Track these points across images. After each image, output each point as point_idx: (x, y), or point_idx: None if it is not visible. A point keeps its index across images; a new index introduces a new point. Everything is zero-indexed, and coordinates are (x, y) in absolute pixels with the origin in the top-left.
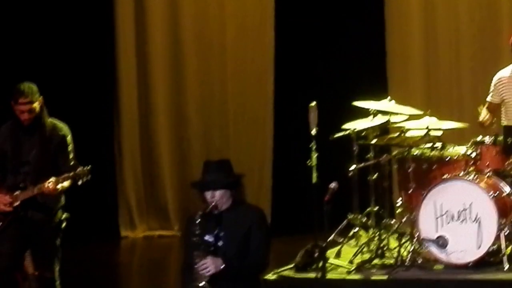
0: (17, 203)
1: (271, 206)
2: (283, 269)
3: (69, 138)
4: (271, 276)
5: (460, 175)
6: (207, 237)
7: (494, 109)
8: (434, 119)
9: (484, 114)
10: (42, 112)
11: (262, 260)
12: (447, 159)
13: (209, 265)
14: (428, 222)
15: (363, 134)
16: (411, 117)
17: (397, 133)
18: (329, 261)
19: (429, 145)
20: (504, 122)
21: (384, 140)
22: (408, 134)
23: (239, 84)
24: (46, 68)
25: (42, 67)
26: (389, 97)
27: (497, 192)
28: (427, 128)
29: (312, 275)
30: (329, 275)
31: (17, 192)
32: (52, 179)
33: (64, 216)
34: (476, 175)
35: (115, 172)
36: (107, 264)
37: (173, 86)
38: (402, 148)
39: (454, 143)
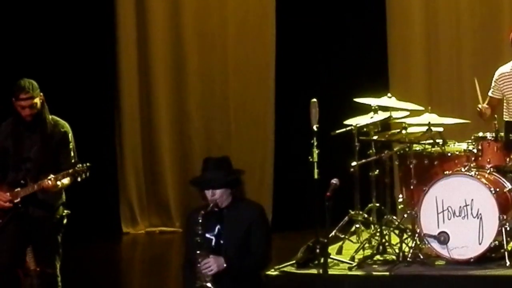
0: (17, 200)
1: (272, 202)
2: (284, 265)
3: (70, 135)
4: (272, 272)
5: (461, 171)
6: (207, 235)
7: (495, 104)
8: (434, 115)
9: (483, 106)
10: (43, 108)
11: (264, 256)
12: (448, 155)
13: (211, 265)
14: (429, 218)
15: (364, 130)
16: (412, 113)
17: (399, 129)
18: (330, 257)
19: (431, 141)
20: (506, 118)
21: (386, 136)
22: (409, 130)
23: (240, 80)
24: (47, 65)
25: (43, 64)
26: (389, 94)
27: (498, 188)
28: (428, 124)
29: (313, 271)
30: (331, 271)
31: (17, 189)
32: (52, 176)
33: (65, 212)
34: (478, 171)
35: (117, 168)
36: (108, 260)
37: (174, 82)
38: (403, 144)
39: (455, 139)
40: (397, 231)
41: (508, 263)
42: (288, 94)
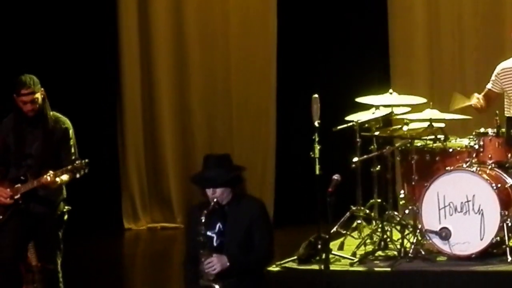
0: (17, 196)
1: (274, 198)
2: (286, 260)
3: (71, 131)
4: (274, 268)
5: (463, 166)
6: (209, 233)
7: (493, 97)
8: (436, 111)
9: (476, 100)
10: (44, 104)
11: (267, 253)
12: (450, 151)
13: (215, 264)
14: (431, 214)
15: (366, 126)
16: (414, 109)
17: (400, 125)
18: (332, 253)
19: (432, 136)
20: (507, 114)
21: (387, 132)
22: (411, 126)
23: (242, 75)
24: (49, 61)
25: (45, 60)
26: (390, 90)
27: (500, 183)
28: (430, 120)
29: (315, 266)
30: (332, 267)
31: (18, 185)
32: (51, 172)
33: (65, 208)
34: (479, 167)
35: (119, 164)
36: (110, 256)
37: (177, 78)
38: (405, 140)
39: (457, 135)
40: (398, 227)
41: (509, 258)
42: (290, 90)
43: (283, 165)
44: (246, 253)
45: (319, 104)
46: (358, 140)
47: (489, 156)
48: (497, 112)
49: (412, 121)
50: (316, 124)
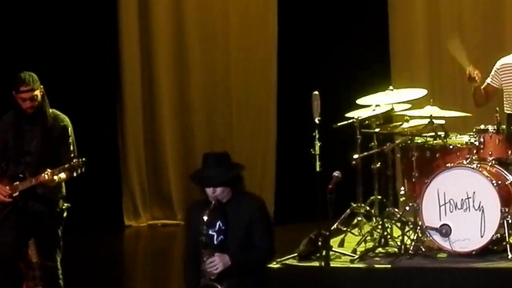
0: (16, 194)
1: (275, 195)
2: (286, 257)
3: (70, 129)
4: (274, 265)
5: (463, 163)
6: (209, 231)
7: (492, 92)
8: (436, 108)
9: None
10: (43, 101)
11: (268, 250)
12: (450, 148)
13: (217, 263)
14: (431, 211)
15: (366, 122)
16: (414, 106)
17: (401, 122)
18: (332, 250)
19: (433, 133)
20: (508, 111)
21: (388, 129)
22: (411, 123)
23: (242, 72)
24: (49, 59)
25: (45, 58)
26: (391, 87)
27: (500, 180)
28: (430, 116)
29: (315, 263)
30: (333, 264)
31: (16, 183)
32: (48, 170)
33: (65, 206)
34: (479, 164)
35: (119, 161)
36: (111, 253)
37: (177, 75)
38: (405, 137)
39: (457, 131)
40: (399, 224)
41: (510, 255)
42: (290, 86)
43: (284, 162)
44: (246, 251)
45: (319, 100)
46: (358, 137)
47: (490, 153)
48: (497, 109)
49: (412, 118)
50: (316, 121)
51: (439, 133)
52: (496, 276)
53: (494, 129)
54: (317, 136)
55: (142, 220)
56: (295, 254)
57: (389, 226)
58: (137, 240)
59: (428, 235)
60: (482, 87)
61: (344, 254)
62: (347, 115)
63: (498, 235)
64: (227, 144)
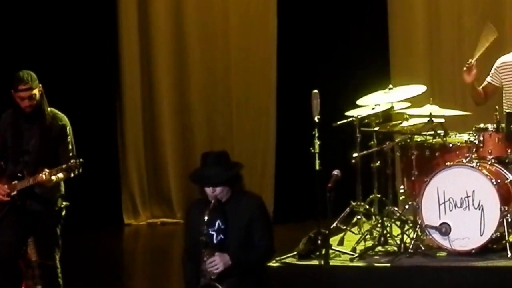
0: (14, 193)
1: (274, 193)
2: (286, 256)
3: (68, 128)
4: (273, 264)
5: (462, 162)
6: (209, 231)
7: (492, 90)
8: (436, 107)
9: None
10: (42, 100)
11: (268, 249)
12: (449, 146)
13: (217, 263)
14: (431, 209)
15: (365, 121)
16: (414, 105)
17: (400, 120)
18: (332, 248)
19: (432, 132)
20: (507, 109)
21: (387, 127)
22: (411, 122)
23: (242, 72)
24: (49, 58)
25: (45, 57)
26: (390, 85)
27: (500, 179)
28: (429, 115)
29: (315, 262)
30: (332, 262)
31: (14, 182)
32: (46, 170)
33: (63, 205)
34: (479, 162)
35: (119, 159)
36: (110, 251)
37: (177, 74)
38: (405, 135)
39: (457, 130)
40: (398, 222)
41: (509, 254)
42: (290, 85)
43: (283, 161)
44: (246, 249)
45: (319, 99)
46: (358, 135)
47: (489, 151)
48: (497, 107)
49: (412, 116)
50: (316, 119)
51: (438, 131)
52: (495, 274)
53: (493, 128)
54: (316, 134)
55: (142, 219)
56: (295, 253)
57: (389, 224)
58: (137, 239)
59: (428, 233)
60: (481, 86)
61: (344, 253)
62: (347, 113)
63: (498, 233)
64: (227, 143)
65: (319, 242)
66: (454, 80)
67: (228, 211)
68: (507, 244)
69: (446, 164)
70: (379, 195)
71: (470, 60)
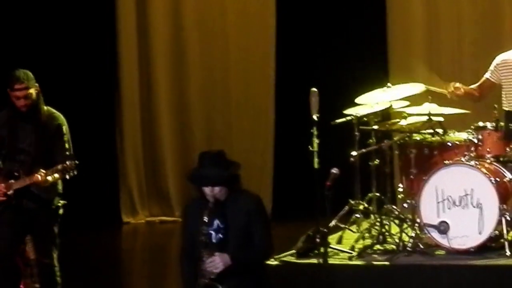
0: (10, 192)
1: (273, 192)
2: (284, 254)
3: (65, 127)
4: (272, 262)
5: (461, 160)
6: (208, 230)
7: (490, 87)
8: (434, 105)
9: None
10: (38, 99)
11: (267, 247)
12: (448, 145)
13: (217, 263)
14: (429, 208)
15: (364, 119)
16: (413, 103)
17: (399, 119)
18: (330, 247)
19: (431, 130)
20: (506, 108)
21: (386, 126)
22: (409, 120)
23: (240, 70)
24: (47, 55)
25: (43, 54)
26: (389, 83)
27: (499, 177)
28: (428, 113)
29: (313, 260)
30: (331, 261)
31: (11, 181)
32: (42, 171)
33: (60, 203)
34: (478, 161)
35: (117, 158)
36: (109, 250)
37: (175, 72)
38: (403, 134)
39: (456, 128)
40: (397, 221)
41: (508, 252)
42: (289, 83)
43: (282, 159)
44: (245, 248)
45: (317, 97)
46: (356, 133)
47: (488, 150)
48: (496, 106)
49: (410, 115)
50: (314, 117)
51: (437, 130)
52: (494, 273)
53: (492, 126)
54: (315, 133)
55: (140, 217)
56: (293, 251)
57: (387, 223)
58: (135, 237)
59: (426, 232)
60: (479, 82)
61: (342, 251)
62: (345, 112)
63: (496, 232)
64: (225, 142)
65: (317, 240)
66: (452, 77)
67: (227, 210)
68: (506, 242)
69: (445, 162)
70: (377, 194)
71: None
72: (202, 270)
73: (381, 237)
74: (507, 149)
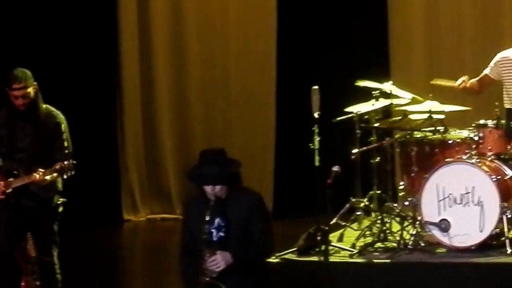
0: (9, 190)
1: (273, 189)
2: (285, 252)
3: (63, 126)
4: (273, 260)
5: (462, 158)
6: (210, 229)
7: (488, 82)
8: (436, 102)
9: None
10: (37, 98)
11: (268, 245)
12: (449, 143)
13: (219, 261)
14: (430, 206)
15: (365, 117)
16: (414, 101)
17: (400, 117)
18: (331, 245)
19: (432, 128)
20: (507, 105)
21: (387, 124)
22: (410, 118)
23: (241, 68)
24: (48, 52)
25: (44, 51)
26: (391, 82)
27: (500, 175)
28: (429, 111)
29: (314, 258)
30: (332, 259)
31: (10, 179)
32: (40, 170)
33: (59, 201)
34: (479, 159)
35: (118, 155)
36: (110, 247)
37: (175, 69)
38: (404, 132)
39: (457, 126)
40: (398, 219)
41: (509, 250)
42: (289, 81)
43: (283, 157)
44: (246, 246)
45: (318, 95)
46: (357, 131)
47: (489, 147)
48: (497, 103)
49: (411, 112)
50: (315, 115)
51: (438, 128)
52: (495, 271)
53: (493, 124)
54: (316, 131)
55: (141, 215)
56: (294, 249)
57: (388, 221)
58: (136, 235)
59: (427, 230)
60: (479, 77)
61: (343, 249)
62: (347, 109)
63: (497, 230)
64: (226, 139)
65: (318, 238)
66: (453, 75)
67: (227, 209)
68: (507, 240)
69: (446, 160)
70: (378, 191)
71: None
72: (204, 269)
73: (382, 235)
74: (508, 147)
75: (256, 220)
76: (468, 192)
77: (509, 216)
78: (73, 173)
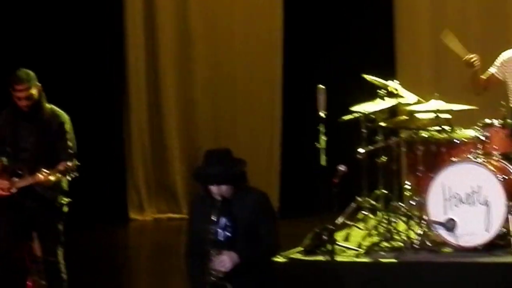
0: (13, 190)
1: (280, 189)
2: (291, 251)
3: (67, 125)
4: (279, 259)
5: (469, 158)
6: (216, 229)
7: (495, 82)
8: (442, 102)
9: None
10: (40, 98)
11: (273, 244)
12: (456, 142)
13: (226, 262)
14: (436, 205)
15: (372, 116)
16: (420, 100)
17: (406, 116)
18: (337, 244)
19: (438, 127)
20: None
21: (393, 123)
22: (417, 117)
23: (248, 67)
24: (54, 52)
25: (51, 50)
26: (396, 81)
27: (506, 175)
28: (436, 110)
29: (320, 257)
30: (338, 258)
31: (15, 179)
32: (44, 171)
33: (64, 201)
34: (485, 158)
35: (124, 155)
36: (116, 247)
37: (182, 69)
38: (411, 131)
39: (463, 125)
40: (404, 218)
41: None
42: (296, 81)
43: (289, 156)
44: (252, 246)
45: (324, 94)
46: (364, 131)
47: (495, 147)
48: (503, 103)
49: (418, 112)
50: (321, 114)
51: (444, 127)
52: (501, 270)
53: (500, 124)
54: (322, 130)
55: (147, 214)
56: (301, 249)
57: (395, 220)
58: (142, 234)
59: (434, 229)
60: (484, 76)
61: (349, 249)
62: (353, 109)
63: (504, 229)
64: (232, 138)
65: (324, 237)
66: (459, 73)
67: (233, 208)
68: None
69: (452, 159)
70: (384, 191)
71: (465, 58)
72: (210, 269)
73: (388, 234)
74: None
75: (262, 219)
76: (474, 192)
77: None
78: (76, 174)
